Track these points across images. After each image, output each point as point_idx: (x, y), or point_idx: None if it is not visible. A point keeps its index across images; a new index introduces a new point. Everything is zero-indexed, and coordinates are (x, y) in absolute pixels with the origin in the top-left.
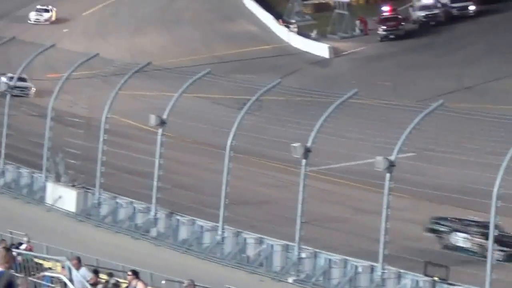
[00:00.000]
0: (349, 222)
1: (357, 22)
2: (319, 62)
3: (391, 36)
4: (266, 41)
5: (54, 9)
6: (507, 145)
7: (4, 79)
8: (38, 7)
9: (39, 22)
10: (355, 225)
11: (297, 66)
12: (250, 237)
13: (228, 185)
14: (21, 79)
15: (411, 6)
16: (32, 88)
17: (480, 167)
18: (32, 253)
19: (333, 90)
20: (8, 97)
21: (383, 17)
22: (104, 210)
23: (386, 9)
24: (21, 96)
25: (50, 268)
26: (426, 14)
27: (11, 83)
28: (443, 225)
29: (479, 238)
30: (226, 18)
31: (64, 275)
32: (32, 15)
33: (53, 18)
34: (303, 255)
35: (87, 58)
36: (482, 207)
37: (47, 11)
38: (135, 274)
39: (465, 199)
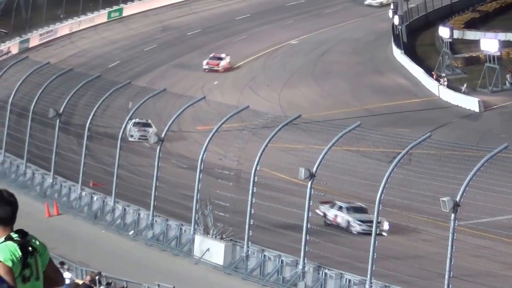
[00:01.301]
0: (499, 278)
1: (508, 76)
2: (469, 116)
3: None
4: (416, 95)
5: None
6: None
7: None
8: (137, 121)
9: (145, 139)
10: (505, 280)
11: (447, 119)
12: None
13: (377, 239)
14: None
15: None
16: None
17: None
18: None
19: (483, 144)
20: (158, 149)
21: None
22: (252, 263)
23: None
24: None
25: None
26: None
27: (161, 136)
28: None
29: None
30: (376, 71)
31: None
32: (134, 132)
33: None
34: None
35: (238, 111)
36: None
37: (148, 125)
38: None
39: None
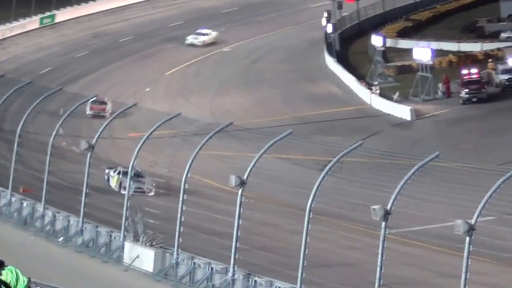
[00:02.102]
0: (429, 286)
1: (440, 85)
2: (400, 124)
3: (474, 99)
4: (348, 103)
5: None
6: None
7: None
8: (125, 170)
9: (142, 192)
10: None
11: (378, 128)
12: None
13: (307, 246)
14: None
15: (494, 69)
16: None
17: None
18: None
19: (415, 152)
20: (88, 156)
21: (466, 80)
22: (181, 270)
23: (473, 71)
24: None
25: None
26: (509, 78)
27: (93, 143)
28: None
29: None
30: (308, 79)
31: None
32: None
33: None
34: None
35: (169, 118)
36: None
37: (140, 175)
38: None
39: None
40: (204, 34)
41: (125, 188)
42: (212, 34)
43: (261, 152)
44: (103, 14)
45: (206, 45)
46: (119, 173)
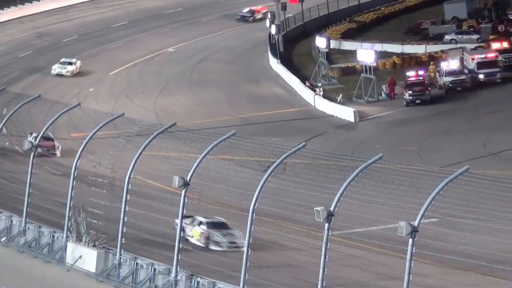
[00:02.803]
0: (371, 287)
1: (383, 86)
2: (344, 126)
3: (417, 101)
4: (291, 104)
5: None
6: None
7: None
8: (207, 220)
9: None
10: None
11: (322, 129)
12: None
13: (250, 247)
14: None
15: (438, 71)
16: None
17: (505, 234)
18: None
19: (358, 154)
20: (31, 156)
21: (409, 82)
22: (124, 270)
23: (421, 73)
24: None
25: None
26: (453, 80)
27: (35, 142)
28: None
29: None
30: (252, 80)
31: None
32: (219, 238)
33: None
34: None
35: (112, 118)
36: (505, 274)
37: (225, 226)
38: None
39: (488, 266)
40: (70, 64)
41: (216, 243)
42: (78, 63)
43: (205, 153)
44: (46, 14)
45: (74, 75)
46: (199, 223)
